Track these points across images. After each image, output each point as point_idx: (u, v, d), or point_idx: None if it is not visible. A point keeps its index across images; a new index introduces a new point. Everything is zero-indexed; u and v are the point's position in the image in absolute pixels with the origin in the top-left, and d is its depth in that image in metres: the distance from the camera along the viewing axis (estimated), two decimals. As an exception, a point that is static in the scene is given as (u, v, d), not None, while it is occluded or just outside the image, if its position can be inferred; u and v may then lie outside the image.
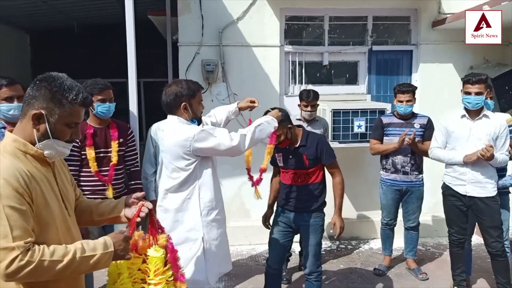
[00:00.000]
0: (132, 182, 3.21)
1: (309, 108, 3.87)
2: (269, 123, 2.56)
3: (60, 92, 1.50)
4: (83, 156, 2.97)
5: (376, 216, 4.37)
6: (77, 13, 6.81)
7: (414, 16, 4.96)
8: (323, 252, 4.62)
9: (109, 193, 2.97)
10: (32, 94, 1.50)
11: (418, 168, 3.84)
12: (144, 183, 3.29)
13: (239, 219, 4.71)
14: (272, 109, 2.86)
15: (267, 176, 3.06)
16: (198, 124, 2.50)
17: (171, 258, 1.76)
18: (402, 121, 3.84)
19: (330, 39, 4.93)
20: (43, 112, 1.48)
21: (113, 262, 1.61)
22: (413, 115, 3.87)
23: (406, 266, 4.09)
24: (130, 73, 3.32)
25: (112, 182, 3.02)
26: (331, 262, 4.40)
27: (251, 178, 2.90)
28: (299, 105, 4.00)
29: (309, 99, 3.85)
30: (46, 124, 1.49)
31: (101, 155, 3.01)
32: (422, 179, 3.90)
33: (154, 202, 2.62)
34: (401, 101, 3.77)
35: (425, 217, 4.66)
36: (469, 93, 3.20)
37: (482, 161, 3.13)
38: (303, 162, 3.00)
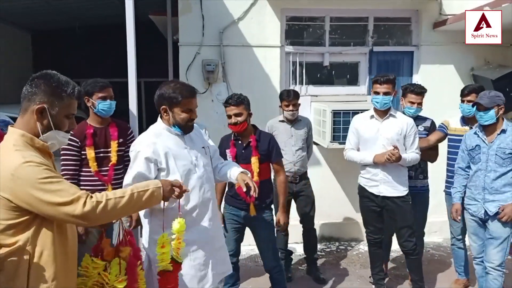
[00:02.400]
0: None
1: (290, 108, 3.81)
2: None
3: (59, 86, 1.65)
4: (83, 156, 2.97)
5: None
6: (79, 13, 6.82)
7: (415, 17, 4.96)
8: (322, 253, 4.61)
9: None
10: (31, 91, 1.63)
11: (422, 172, 3.67)
12: None
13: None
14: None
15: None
16: (184, 132, 2.33)
17: (128, 270, 1.91)
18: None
19: (331, 39, 4.92)
20: (45, 106, 1.62)
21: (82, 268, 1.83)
22: (416, 118, 3.67)
23: (409, 282, 3.83)
24: (130, 73, 3.31)
25: (112, 182, 3.01)
26: (330, 263, 4.39)
27: (244, 195, 2.95)
28: (280, 106, 3.97)
29: (290, 98, 3.79)
30: (49, 116, 1.63)
31: (101, 155, 3.01)
32: (428, 184, 3.73)
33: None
34: (413, 103, 3.55)
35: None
36: (377, 93, 3.29)
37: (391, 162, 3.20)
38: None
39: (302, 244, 4.15)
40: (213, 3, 4.56)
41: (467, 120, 3.58)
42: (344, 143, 4.29)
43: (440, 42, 4.88)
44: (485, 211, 3.08)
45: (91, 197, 1.59)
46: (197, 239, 2.30)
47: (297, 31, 4.93)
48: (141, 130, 2.82)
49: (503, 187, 3.02)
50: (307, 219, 3.97)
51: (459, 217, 3.28)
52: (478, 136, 3.12)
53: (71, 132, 1.78)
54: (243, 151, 3.09)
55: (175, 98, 2.25)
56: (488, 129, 3.07)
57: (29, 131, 1.63)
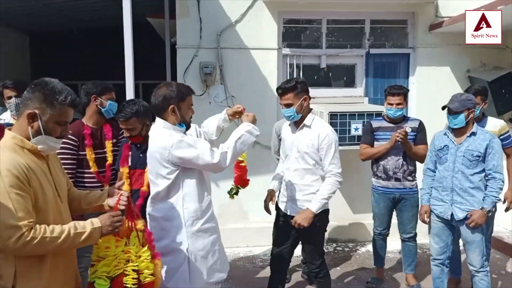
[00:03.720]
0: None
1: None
2: (251, 132, 2.46)
3: (51, 94, 1.72)
4: (80, 156, 2.98)
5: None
6: (76, 15, 6.83)
7: (411, 19, 4.99)
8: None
9: None
10: (28, 97, 1.73)
11: (411, 174, 3.67)
12: None
13: (237, 221, 4.73)
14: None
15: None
16: (187, 129, 2.45)
17: (148, 240, 2.00)
18: (392, 125, 3.66)
19: (327, 42, 4.95)
20: (36, 111, 1.70)
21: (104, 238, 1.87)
22: (404, 119, 3.70)
23: (405, 283, 3.86)
24: (127, 75, 3.34)
25: (110, 182, 3.03)
26: (328, 264, 4.38)
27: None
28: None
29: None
30: (39, 122, 1.70)
31: (98, 156, 3.04)
32: (416, 186, 3.69)
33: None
34: (391, 104, 3.60)
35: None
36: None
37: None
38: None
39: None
40: (211, 6, 4.58)
41: None
42: (341, 145, 4.29)
43: (436, 44, 4.92)
44: (453, 213, 3.10)
45: (31, 230, 1.59)
46: (215, 225, 2.53)
47: (294, 33, 4.95)
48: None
49: (472, 190, 3.03)
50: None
51: (428, 219, 3.28)
52: (448, 137, 3.15)
53: (64, 138, 1.85)
54: (140, 155, 2.91)
55: (182, 96, 2.38)
56: (458, 131, 3.10)
57: (22, 134, 1.71)
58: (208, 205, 2.47)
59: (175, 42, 4.73)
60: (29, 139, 1.71)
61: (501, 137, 3.52)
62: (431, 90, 4.92)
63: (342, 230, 4.98)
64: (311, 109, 2.96)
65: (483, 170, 3.03)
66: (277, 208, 3.18)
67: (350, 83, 5.07)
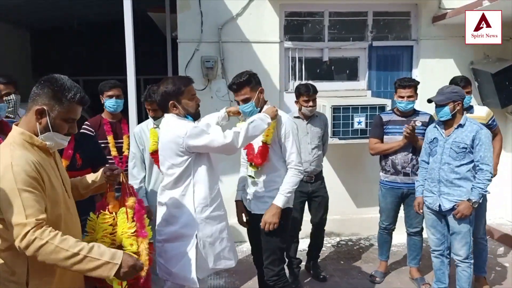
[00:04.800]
0: None
1: (310, 103, 3.64)
2: (262, 119, 2.52)
3: (61, 91, 1.70)
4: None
5: (377, 213, 4.36)
6: (77, 10, 6.80)
7: (414, 11, 4.94)
8: (323, 249, 4.62)
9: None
10: (36, 92, 1.71)
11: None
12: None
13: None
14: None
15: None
16: (194, 120, 2.48)
17: (137, 216, 1.99)
18: (403, 119, 3.64)
19: (330, 35, 4.91)
20: (45, 108, 1.68)
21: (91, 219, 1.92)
22: (414, 112, 3.66)
23: (409, 276, 3.87)
24: (128, 70, 3.32)
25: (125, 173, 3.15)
26: (331, 258, 4.41)
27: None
28: (296, 102, 3.79)
29: (310, 93, 3.62)
30: (47, 118, 1.68)
31: (117, 145, 3.39)
32: None
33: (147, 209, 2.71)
34: (402, 97, 3.57)
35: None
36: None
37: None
38: (76, 161, 2.65)
39: (305, 240, 4.13)
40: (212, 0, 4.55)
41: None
42: (344, 139, 4.32)
43: (439, 36, 4.87)
44: (440, 204, 3.13)
45: (38, 229, 1.53)
46: (224, 214, 2.57)
47: (296, 26, 4.91)
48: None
49: (458, 181, 3.06)
50: (319, 219, 3.89)
51: (421, 210, 3.31)
52: (437, 130, 3.19)
53: (86, 123, 1.90)
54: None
55: (178, 90, 2.39)
56: (447, 123, 3.14)
57: (29, 130, 1.70)
58: (217, 193, 2.52)
59: (176, 37, 4.71)
60: (37, 135, 1.70)
61: (488, 122, 3.58)
62: (435, 83, 4.84)
63: (345, 224, 4.97)
64: (266, 101, 2.83)
65: (472, 161, 3.06)
66: (245, 206, 2.98)
67: (352, 76, 5.04)
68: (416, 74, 4.97)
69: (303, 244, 4.24)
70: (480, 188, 3.01)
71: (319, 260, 4.13)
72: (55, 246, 1.53)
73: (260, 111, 2.72)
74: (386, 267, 4.00)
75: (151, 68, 6.75)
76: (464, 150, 3.03)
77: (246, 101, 2.69)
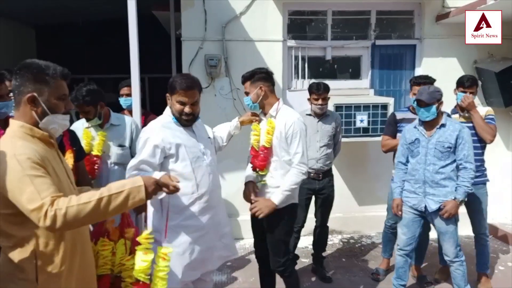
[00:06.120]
0: None
1: (320, 102, 3.68)
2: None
3: (40, 72, 1.66)
4: None
5: (379, 211, 4.38)
6: (82, 8, 6.83)
7: (417, 10, 4.94)
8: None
9: None
10: (18, 83, 1.66)
11: None
12: None
13: (243, 213, 4.75)
14: None
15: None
16: (183, 124, 2.42)
17: (133, 250, 1.92)
18: (417, 117, 3.61)
19: (333, 33, 4.92)
20: (35, 94, 1.64)
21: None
22: None
23: (411, 274, 3.81)
24: (133, 68, 3.34)
25: None
26: (332, 256, 4.43)
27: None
28: (308, 99, 3.83)
29: (319, 92, 3.67)
30: (41, 103, 1.65)
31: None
32: None
33: None
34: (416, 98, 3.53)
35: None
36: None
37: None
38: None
39: (308, 238, 4.17)
40: (216, -2, 4.57)
41: (461, 110, 3.61)
42: (346, 137, 4.33)
43: (443, 35, 4.86)
44: (426, 205, 3.12)
45: (53, 203, 1.51)
46: (206, 224, 2.44)
47: (299, 25, 4.93)
48: (145, 125, 2.89)
49: (443, 181, 3.06)
50: (322, 216, 3.93)
51: (400, 212, 3.27)
52: (418, 130, 3.16)
53: (72, 107, 1.81)
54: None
55: (172, 87, 2.39)
56: (428, 123, 3.11)
57: (28, 121, 1.66)
58: (193, 202, 2.38)
59: (180, 35, 4.73)
60: (36, 125, 1.66)
61: (486, 119, 3.53)
62: (438, 82, 4.84)
63: (347, 222, 4.99)
64: (278, 99, 2.84)
65: (455, 161, 3.06)
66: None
67: (355, 75, 5.04)
68: (419, 73, 4.96)
69: (306, 241, 4.26)
70: (465, 186, 3.03)
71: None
72: (76, 206, 1.52)
73: (259, 107, 2.79)
74: (388, 264, 4.01)
75: (155, 67, 6.76)
76: (449, 149, 3.03)
77: (247, 94, 2.83)
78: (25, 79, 1.64)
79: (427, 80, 3.61)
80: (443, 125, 3.08)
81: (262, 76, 2.79)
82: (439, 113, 3.08)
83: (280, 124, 2.73)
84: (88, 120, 3.10)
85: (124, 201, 1.61)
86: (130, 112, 3.63)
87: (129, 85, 3.59)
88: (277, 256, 2.81)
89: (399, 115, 3.74)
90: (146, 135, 2.36)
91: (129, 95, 3.68)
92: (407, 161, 3.25)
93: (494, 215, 4.86)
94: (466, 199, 3.14)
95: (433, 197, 3.09)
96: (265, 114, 2.84)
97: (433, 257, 4.21)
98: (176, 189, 1.86)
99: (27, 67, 1.67)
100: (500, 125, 5.01)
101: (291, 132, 2.70)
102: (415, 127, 3.20)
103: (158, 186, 1.76)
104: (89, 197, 1.55)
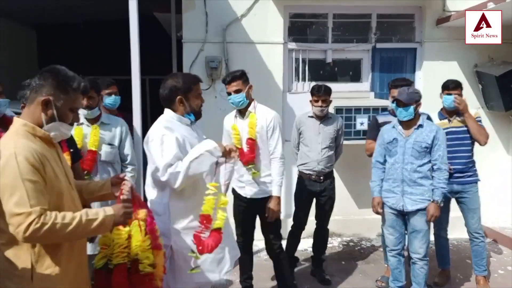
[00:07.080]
0: None
1: (319, 103, 3.66)
2: (212, 152, 2.27)
3: (65, 81, 1.72)
4: None
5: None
6: (83, 9, 6.85)
7: (418, 13, 4.95)
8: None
9: None
10: (39, 83, 1.70)
11: None
12: None
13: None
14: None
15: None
16: (196, 118, 2.47)
17: (149, 229, 1.98)
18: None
19: (333, 36, 4.93)
20: (51, 98, 1.68)
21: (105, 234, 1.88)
22: None
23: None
24: (133, 69, 3.35)
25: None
26: (332, 258, 4.42)
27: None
28: (310, 101, 3.81)
29: (320, 93, 3.64)
30: (53, 108, 1.69)
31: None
32: None
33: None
34: (395, 97, 3.51)
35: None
36: None
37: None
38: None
39: (308, 240, 4.15)
40: (217, 0, 4.58)
41: (447, 113, 3.63)
42: (346, 140, 4.32)
43: (443, 39, 4.87)
44: (403, 205, 3.18)
45: (41, 216, 1.54)
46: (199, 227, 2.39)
47: (300, 28, 4.94)
48: (146, 127, 2.88)
49: (420, 180, 3.14)
50: (322, 218, 3.91)
51: (380, 209, 3.33)
52: (396, 130, 3.23)
53: (78, 121, 1.90)
54: None
55: (188, 86, 2.41)
56: (406, 124, 3.19)
57: (33, 121, 1.69)
58: (200, 203, 2.34)
59: (181, 37, 4.74)
60: (41, 126, 1.69)
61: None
62: (438, 85, 4.83)
63: (347, 225, 4.98)
64: (253, 99, 3.16)
65: (430, 161, 3.15)
66: (235, 194, 3.30)
67: (356, 78, 5.05)
68: (419, 76, 4.97)
69: (305, 244, 4.25)
70: (442, 187, 3.12)
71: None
72: (59, 224, 1.57)
73: (247, 106, 3.08)
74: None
75: (156, 69, 6.78)
76: (426, 149, 3.12)
77: (237, 92, 3.02)
78: (48, 82, 1.69)
79: (405, 83, 3.63)
80: (420, 126, 3.17)
81: (248, 78, 3.11)
82: (417, 114, 3.17)
83: (261, 119, 3.07)
84: (90, 109, 3.08)
85: (97, 227, 1.68)
86: (116, 112, 3.56)
87: (113, 83, 3.48)
88: (275, 239, 3.24)
89: (381, 119, 3.76)
90: (159, 134, 2.30)
91: (115, 93, 3.49)
92: (385, 161, 3.32)
93: (494, 219, 4.86)
94: (444, 200, 3.22)
95: (411, 196, 3.16)
96: (244, 113, 3.13)
97: (431, 260, 4.20)
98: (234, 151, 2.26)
99: (55, 72, 1.73)
100: (500, 129, 5.03)
101: (272, 126, 3.08)
102: (393, 127, 3.28)
103: (127, 214, 1.80)
104: (71, 218, 1.61)
